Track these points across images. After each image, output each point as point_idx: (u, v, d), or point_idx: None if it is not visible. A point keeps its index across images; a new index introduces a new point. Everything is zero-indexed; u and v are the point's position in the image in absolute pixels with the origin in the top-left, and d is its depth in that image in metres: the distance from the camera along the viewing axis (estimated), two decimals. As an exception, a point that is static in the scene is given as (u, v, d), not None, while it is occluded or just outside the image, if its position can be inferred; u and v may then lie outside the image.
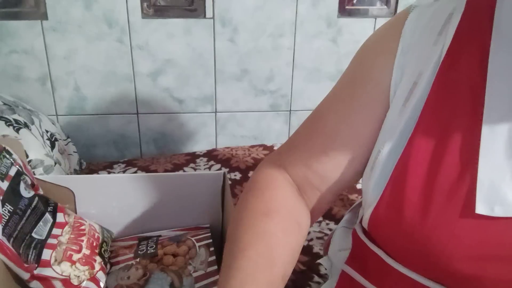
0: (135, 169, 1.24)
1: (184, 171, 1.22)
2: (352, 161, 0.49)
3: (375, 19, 1.39)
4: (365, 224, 0.48)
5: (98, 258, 0.66)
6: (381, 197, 0.44)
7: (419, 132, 0.42)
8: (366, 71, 0.49)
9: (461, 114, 0.40)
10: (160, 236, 0.76)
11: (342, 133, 0.49)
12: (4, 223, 0.56)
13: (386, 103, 0.47)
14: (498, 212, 0.37)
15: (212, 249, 0.70)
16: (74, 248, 0.64)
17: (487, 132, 0.38)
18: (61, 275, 0.60)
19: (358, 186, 1.14)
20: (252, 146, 1.38)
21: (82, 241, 0.66)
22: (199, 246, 0.70)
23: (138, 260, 0.69)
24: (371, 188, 0.45)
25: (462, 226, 0.38)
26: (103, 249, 0.69)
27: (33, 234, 0.61)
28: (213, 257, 0.68)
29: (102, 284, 0.64)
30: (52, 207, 0.69)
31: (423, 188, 0.41)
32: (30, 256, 0.59)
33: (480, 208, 0.37)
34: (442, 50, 0.42)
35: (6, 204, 0.58)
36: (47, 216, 0.66)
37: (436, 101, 0.42)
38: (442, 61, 0.41)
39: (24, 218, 0.61)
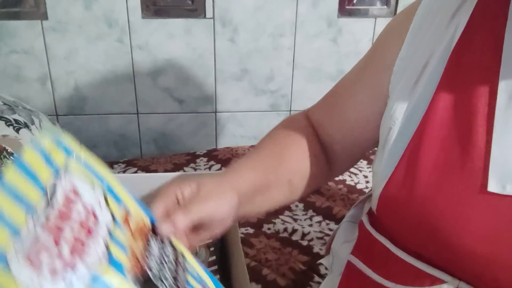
0: (135, 169, 1.24)
1: (184, 171, 1.22)
2: (363, 113, 0.55)
3: (375, 19, 1.39)
4: (373, 205, 0.49)
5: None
6: (392, 174, 0.45)
7: (432, 111, 0.43)
8: (378, 46, 0.55)
9: (475, 94, 0.41)
10: (160, 236, 0.75)
11: (357, 91, 0.56)
12: (4, 223, 0.56)
13: (389, 77, 0.50)
14: (510, 190, 0.38)
15: (212, 249, 0.70)
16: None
17: (500, 113, 0.39)
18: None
19: (359, 186, 1.14)
20: (252, 146, 1.38)
21: (82, 241, 0.66)
22: (199, 246, 0.70)
23: (138, 260, 0.69)
24: (382, 166, 0.46)
25: (474, 203, 0.39)
26: (103, 249, 0.69)
27: (33, 234, 0.61)
28: (213, 257, 0.68)
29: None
30: (52, 207, 0.68)
31: (436, 165, 0.41)
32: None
33: (492, 186, 0.38)
34: (455, 33, 0.43)
35: (6, 204, 0.58)
36: (47, 216, 0.66)
37: (450, 81, 0.43)
38: (457, 43, 0.42)
39: (24, 218, 0.61)
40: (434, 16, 0.46)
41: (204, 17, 1.31)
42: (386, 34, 0.54)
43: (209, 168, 1.23)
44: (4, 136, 0.91)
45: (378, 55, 0.54)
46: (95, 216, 0.35)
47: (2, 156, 0.63)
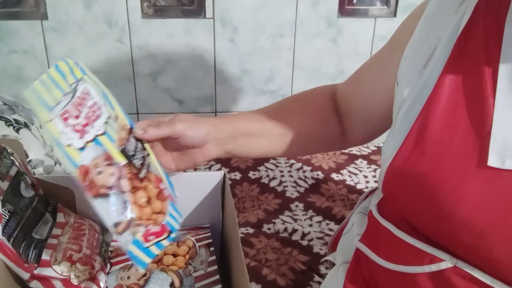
0: (135, 169, 1.23)
1: (184, 171, 1.22)
2: (373, 87, 0.63)
3: (375, 19, 1.39)
4: (380, 183, 0.52)
5: (98, 258, 0.66)
6: (399, 148, 0.48)
7: (439, 90, 0.46)
8: (397, 29, 0.61)
9: (479, 76, 0.43)
10: (160, 236, 0.75)
11: (373, 66, 0.65)
12: (4, 223, 0.56)
13: (398, 61, 0.54)
14: (508, 165, 0.40)
15: (212, 249, 0.70)
16: (74, 248, 0.64)
17: (501, 94, 0.42)
18: (61, 275, 0.60)
19: (359, 186, 1.14)
20: (252, 146, 1.38)
21: (82, 241, 0.66)
22: (199, 246, 0.70)
23: (138, 260, 0.69)
24: (392, 142, 0.49)
25: (473, 176, 0.42)
26: (103, 249, 0.69)
27: (33, 234, 0.61)
28: (213, 257, 0.68)
29: (102, 284, 0.64)
30: (52, 207, 0.69)
31: (441, 139, 0.44)
32: (30, 256, 0.59)
33: (492, 161, 0.41)
34: (462, 19, 0.46)
35: (6, 204, 0.58)
36: (47, 216, 0.66)
37: (455, 64, 0.46)
38: (463, 29, 0.45)
39: (24, 218, 0.61)
40: (445, 3, 0.49)
41: (204, 17, 1.31)
42: (406, 20, 0.59)
43: (209, 168, 1.23)
44: (4, 136, 0.91)
45: (394, 38, 0.61)
46: (99, 109, 0.55)
47: (2, 156, 0.63)
